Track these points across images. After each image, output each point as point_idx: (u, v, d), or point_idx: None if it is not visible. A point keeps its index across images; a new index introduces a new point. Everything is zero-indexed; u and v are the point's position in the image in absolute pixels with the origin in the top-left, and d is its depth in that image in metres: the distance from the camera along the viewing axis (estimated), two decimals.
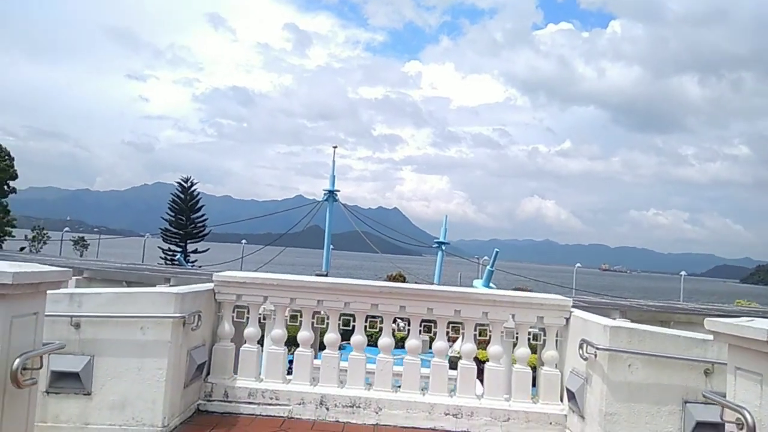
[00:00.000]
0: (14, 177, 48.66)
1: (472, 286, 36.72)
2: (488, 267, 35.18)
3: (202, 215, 55.77)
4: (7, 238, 49.24)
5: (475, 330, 6.08)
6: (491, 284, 35.30)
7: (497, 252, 35.04)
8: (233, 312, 6.10)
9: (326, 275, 35.07)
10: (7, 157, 48.40)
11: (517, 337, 5.99)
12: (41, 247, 62.96)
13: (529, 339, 5.97)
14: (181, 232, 53.22)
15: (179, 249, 52.75)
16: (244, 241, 61.70)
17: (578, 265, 62.60)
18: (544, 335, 5.95)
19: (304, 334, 5.98)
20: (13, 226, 50.24)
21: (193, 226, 53.68)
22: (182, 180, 54.95)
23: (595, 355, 5.09)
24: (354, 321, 6.04)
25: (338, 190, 48.18)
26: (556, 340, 5.93)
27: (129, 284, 19.14)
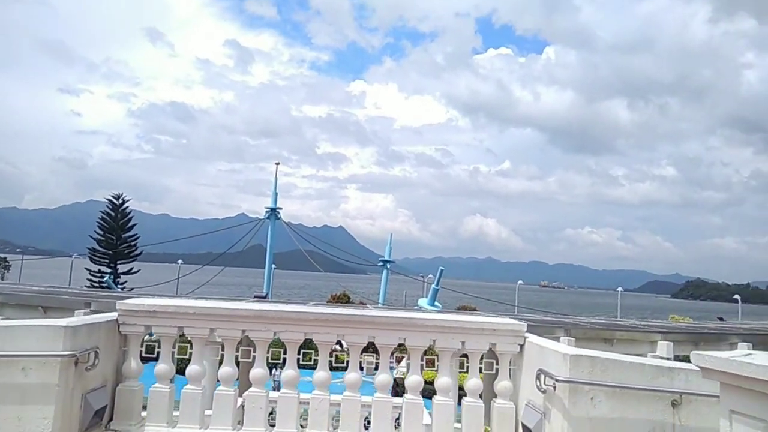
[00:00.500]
0: None
1: (417, 305, 36.34)
2: (433, 285, 34.95)
3: (134, 234, 52.96)
4: None
5: (422, 359, 5.45)
6: (436, 303, 35.07)
7: (442, 270, 34.89)
8: (142, 347, 5.22)
9: (266, 297, 33.76)
10: None
11: (467, 367, 5.41)
12: None
13: (480, 368, 5.40)
14: (110, 252, 50.21)
15: (109, 270, 49.72)
16: (180, 261, 59.04)
17: (520, 282, 63.64)
18: (497, 364, 5.40)
19: (226, 370, 5.17)
20: None
21: (124, 245, 50.83)
22: (113, 197, 52.07)
23: (554, 387, 4.57)
24: (285, 353, 5.30)
25: (281, 208, 47.11)
26: (510, 369, 5.39)
27: (46, 310, 17.53)
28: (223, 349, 5.25)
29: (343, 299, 43.66)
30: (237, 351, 5.27)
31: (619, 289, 54.04)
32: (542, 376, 4.71)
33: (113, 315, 5.03)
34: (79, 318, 4.71)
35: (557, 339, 16.73)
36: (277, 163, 48.05)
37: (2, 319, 17.51)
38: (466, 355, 5.46)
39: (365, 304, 43.15)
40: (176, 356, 5.30)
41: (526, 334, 5.35)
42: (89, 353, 4.45)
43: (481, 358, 5.40)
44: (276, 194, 47.19)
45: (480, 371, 5.38)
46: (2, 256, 67.45)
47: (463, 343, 5.27)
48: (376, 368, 5.47)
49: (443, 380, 5.26)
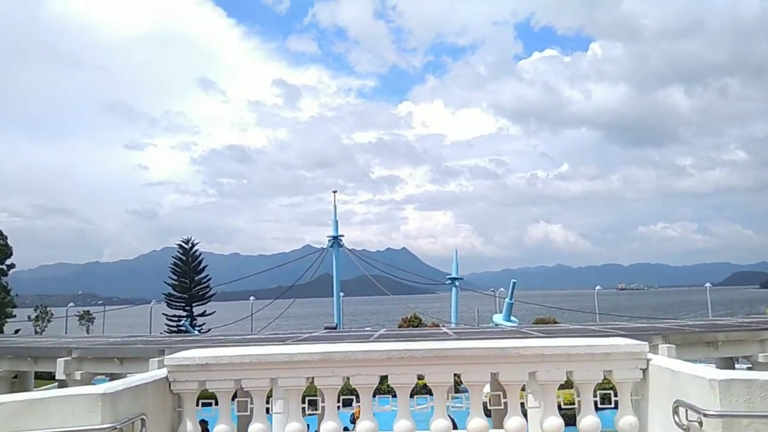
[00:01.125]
0: (9, 255, 47.58)
1: (491, 321, 34.83)
2: (506, 299, 33.40)
3: (206, 276, 54.23)
4: (8, 320, 47.73)
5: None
6: (512, 318, 33.46)
7: (515, 283, 33.32)
8: (198, 405, 4.59)
9: (336, 327, 33.24)
10: None
11: (579, 402, 4.44)
12: (45, 326, 61.39)
13: (595, 402, 4.43)
14: (185, 295, 51.55)
15: (185, 313, 50.98)
16: (252, 297, 60.13)
17: (598, 287, 60.63)
18: (615, 395, 4.41)
19: (294, 427, 4.44)
20: (14, 306, 48.80)
21: (197, 287, 52.09)
22: (183, 242, 53.70)
23: (701, 423, 3.56)
24: (358, 400, 4.53)
25: (342, 235, 47.00)
26: (632, 401, 4.39)
27: (122, 361, 17.64)
28: (252, 402, 4.53)
29: (414, 321, 42.62)
30: (303, 402, 4.55)
31: (707, 284, 50.32)
32: (682, 410, 3.71)
33: (162, 373, 4.44)
34: (123, 381, 4.12)
35: (655, 348, 15.21)
36: (335, 192, 48.07)
37: (81, 373, 17.74)
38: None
39: (438, 325, 41.93)
40: (236, 413, 4.64)
41: (650, 356, 4.34)
42: (134, 421, 3.84)
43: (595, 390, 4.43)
44: (336, 222, 47.13)
45: (595, 406, 4.40)
46: (86, 309, 70.79)
47: (570, 373, 4.33)
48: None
49: (554, 421, 4.30)
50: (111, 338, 23.95)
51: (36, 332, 59.16)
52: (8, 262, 48.06)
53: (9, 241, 47.56)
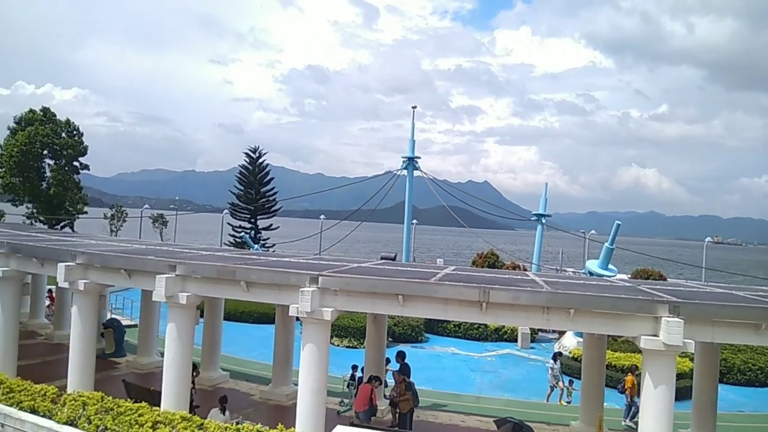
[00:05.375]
0: (83, 153, 46.91)
1: (585, 269, 29.50)
2: (606, 244, 27.80)
3: (272, 188, 51.69)
4: (79, 216, 47.87)
5: None
6: (610, 266, 27.99)
7: (618, 225, 27.55)
8: None
9: (395, 258, 29.06)
10: (75, 133, 46.61)
11: None
12: (120, 226, 62.43)
13: None
14: (250, 207, 49.42)
15: (249, 226, 49.06)
16: (322, 216, 57.77)
17: (708, 239, 52.87)
18: None
19: None
20: (86, 203, 48.79)
21: (262, 200, 49.75)
22: (250, 150, 51.01)
23: None
24: None
25: (419, 157, 42.22)
26: None
27: (130, 273, 14.49)
28: None
29: (490, 258, 37.92)
30: None
31: None
32: None
33: None
34: None
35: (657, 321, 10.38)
36: (414, 107, 42.86)
37: (85, 283, 14.78)
38: None
39: (518, 266, 36.99)
40: None
41: None
42: None
43: None
44: (413, 142, 42.28)
45: None
46: (159, 212, 71.63)
47: None
48: None
49: None
50: (139, 245, 21.23)
51: (111, 231, 60.23)
52: (84, 161, 47.48)
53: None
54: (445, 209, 47.44)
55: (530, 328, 29.12)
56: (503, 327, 30.00)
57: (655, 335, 10.51)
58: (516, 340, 30.00)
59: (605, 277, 23.90)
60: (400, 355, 16.66)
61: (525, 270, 32.77)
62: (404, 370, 16.00)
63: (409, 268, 16.18)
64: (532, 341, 30.01)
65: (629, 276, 33.72)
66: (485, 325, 29.70)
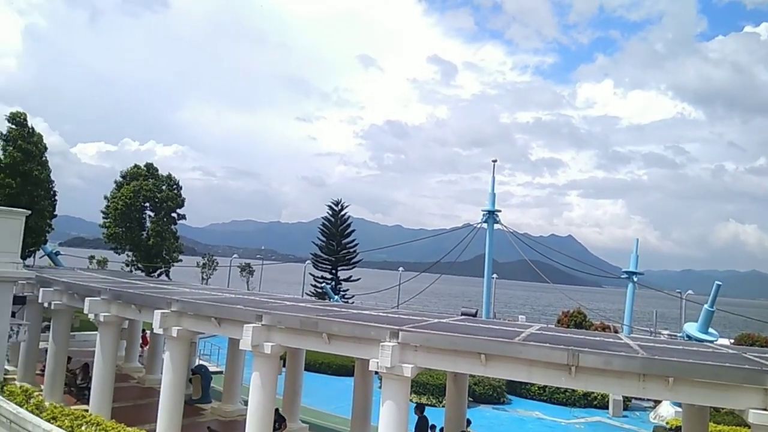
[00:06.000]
0: (181, 205, 50.16)
1: (682, 332, 27.40)
2: (706, 306, 25.78)
3: (353, 240, 52.70)
4: (174, 264, 50.77)
5: None
6: (711, 330, 25.83)
7: (719, 286, 25.55)
8: None
9: (476, 314, 28.08)
10: (175, 186, 50.09)
11: None
12: (211, 274, 65.56)
13: None
14: (331, 258, 50.53)
15: (330, 276, 49.99)
16: (401, 268, 57.86)
17: None
18: None
19: None
20: (181, 252, 51.74)
21: (344, 251, 50.74)
22: (333, 203, 52.59)
23: None
24: None
25: (500, 210, 41.67)
26: None
27: (219, 321, 15.11)
28: None
29: (577, 318, 36.14)
30: None
31: None
32: None
33: None
34: None
35: None
36: (494, 161, 42.71)
37: (178, 330, 15.58)
38: None
39: (608, 327, 34.94)
40: None
41: None
42: None
43: None
44: (494, 195, 41.88)
45: None
46: (246, 262, 74.57)
47: None
48: None
49: None
50: (229, 294, 22.15)
51: (203, 279, 63.37)
52: (180, 212, 50.68)
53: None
54: (527, 263, 46.05)
55: (623, 395, 27.18)
56: (593, 392, 28.20)
57: (765, 409, 9.50)
58: (607, 407, 28.04)
59: (706, 342, 22.02)
60: (419, 408, 16.47)
61: (616, 331, 30.90)
62: (421, 426, 15.77)
63: (491, 326, 15.75)
64: (624, 409, 27.95)
65: (732, 341, 30.94)
66: (573, 390, 28.06)
